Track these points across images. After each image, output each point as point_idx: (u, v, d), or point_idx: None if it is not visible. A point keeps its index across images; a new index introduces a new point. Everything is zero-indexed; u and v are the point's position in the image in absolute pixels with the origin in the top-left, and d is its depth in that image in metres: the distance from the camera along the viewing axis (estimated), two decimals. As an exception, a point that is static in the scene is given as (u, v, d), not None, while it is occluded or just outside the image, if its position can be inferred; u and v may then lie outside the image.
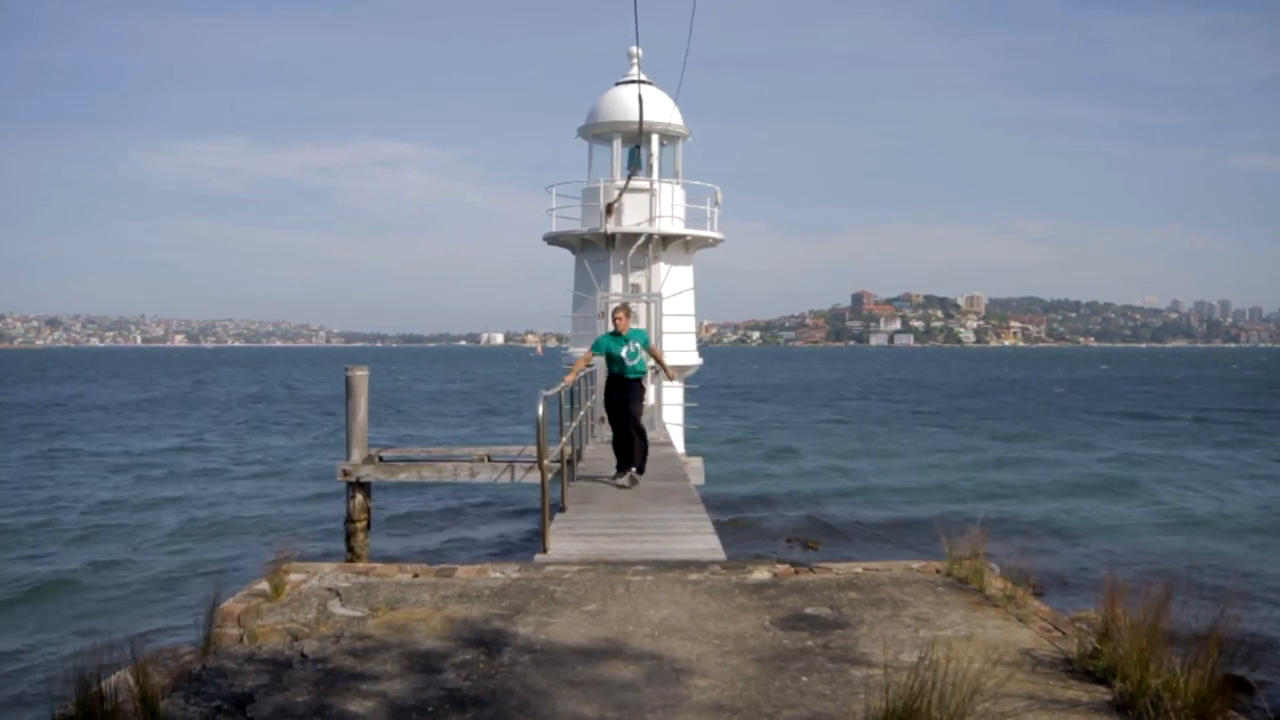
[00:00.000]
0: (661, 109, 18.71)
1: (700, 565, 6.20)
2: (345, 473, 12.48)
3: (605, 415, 10.40)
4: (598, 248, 18.39)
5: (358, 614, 5.07)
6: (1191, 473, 26.38)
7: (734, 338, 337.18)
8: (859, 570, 6.09)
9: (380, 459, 12.71)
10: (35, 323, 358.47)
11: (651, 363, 10.32)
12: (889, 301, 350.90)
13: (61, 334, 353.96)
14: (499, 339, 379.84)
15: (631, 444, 9.89)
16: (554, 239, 19.24)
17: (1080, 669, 4.17)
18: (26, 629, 11.84)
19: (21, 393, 67.54)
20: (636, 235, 17.91)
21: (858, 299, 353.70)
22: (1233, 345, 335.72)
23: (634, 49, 18.95)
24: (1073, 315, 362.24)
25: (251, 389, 72.30)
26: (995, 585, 5.52)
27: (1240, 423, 41.99)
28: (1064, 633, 4.69)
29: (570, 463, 9.95)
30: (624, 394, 9.89)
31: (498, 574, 5.94)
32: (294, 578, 5.66)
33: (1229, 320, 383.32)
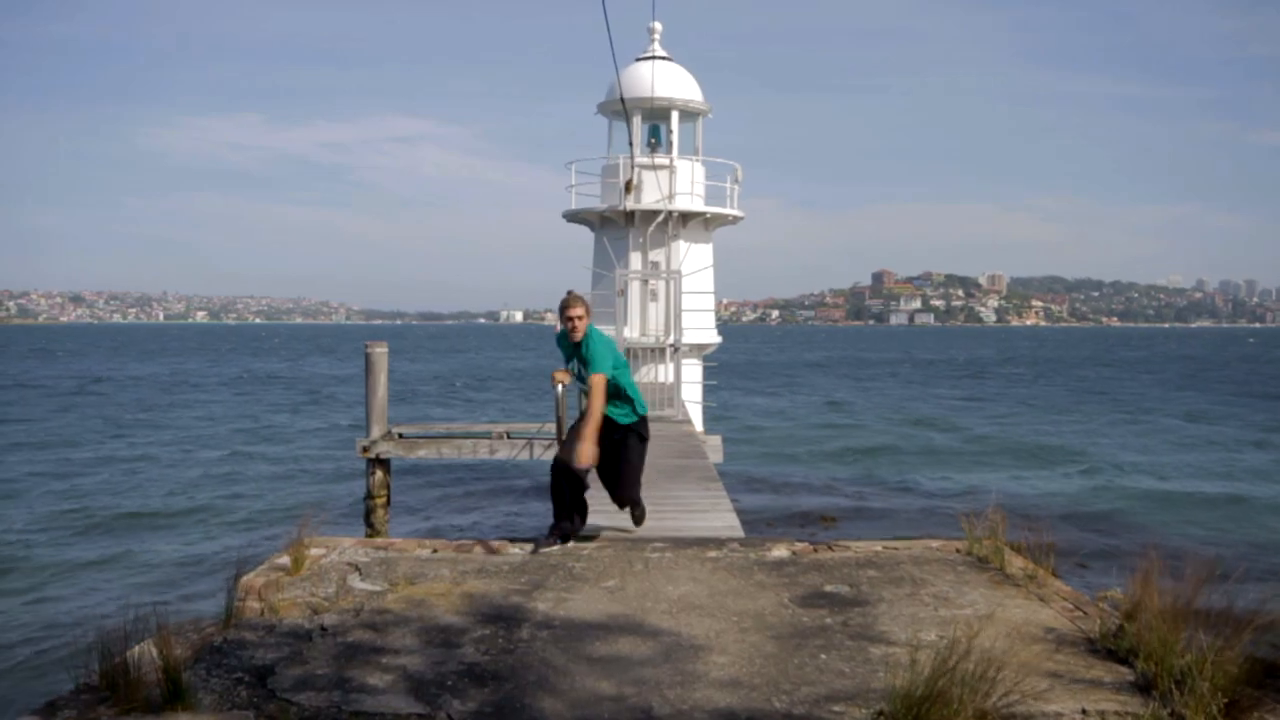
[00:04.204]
0: (681, 85, 18.59)
1: (719, 542, 6.19)
2: (365, 449, 12.55)
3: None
4: (617, 225, 18.34)
5: (377, 588, 5.09)
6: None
7: (753, 316, 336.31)
8: (878, 548, 6.07)
9: (400, 435, 12.77)
10: (59, 299, 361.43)
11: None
12: (909, 280, 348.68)
13: (85, 310, 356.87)
14: (518, 316, 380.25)
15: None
16: (573, 216, 19.20)
17: (1102, 648, 4.14)
18: (51, 599, 11.99)
19: (133, 367, 68.23)
20: (656, 213, 17.84)
21: (878, 278, 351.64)
22: (1258, 325, 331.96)
23: (654, 24, 18.82)
24: (1095, 295, 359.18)
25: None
26: (1016, 564, 5.48)
27: None
28: (1086, 612, 4.66)
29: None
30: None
31: (516, 550, 5.96)
32: (314, 552, 5.69)
33: (1254, 300, 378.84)
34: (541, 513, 17.14)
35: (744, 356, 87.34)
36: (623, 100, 16.54)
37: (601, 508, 7.76)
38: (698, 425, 16.75)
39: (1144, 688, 3.69)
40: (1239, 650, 3.49)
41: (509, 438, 12.58)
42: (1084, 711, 3.50)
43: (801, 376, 61.65)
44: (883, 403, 41.88)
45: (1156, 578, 4.09)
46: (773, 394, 47.16)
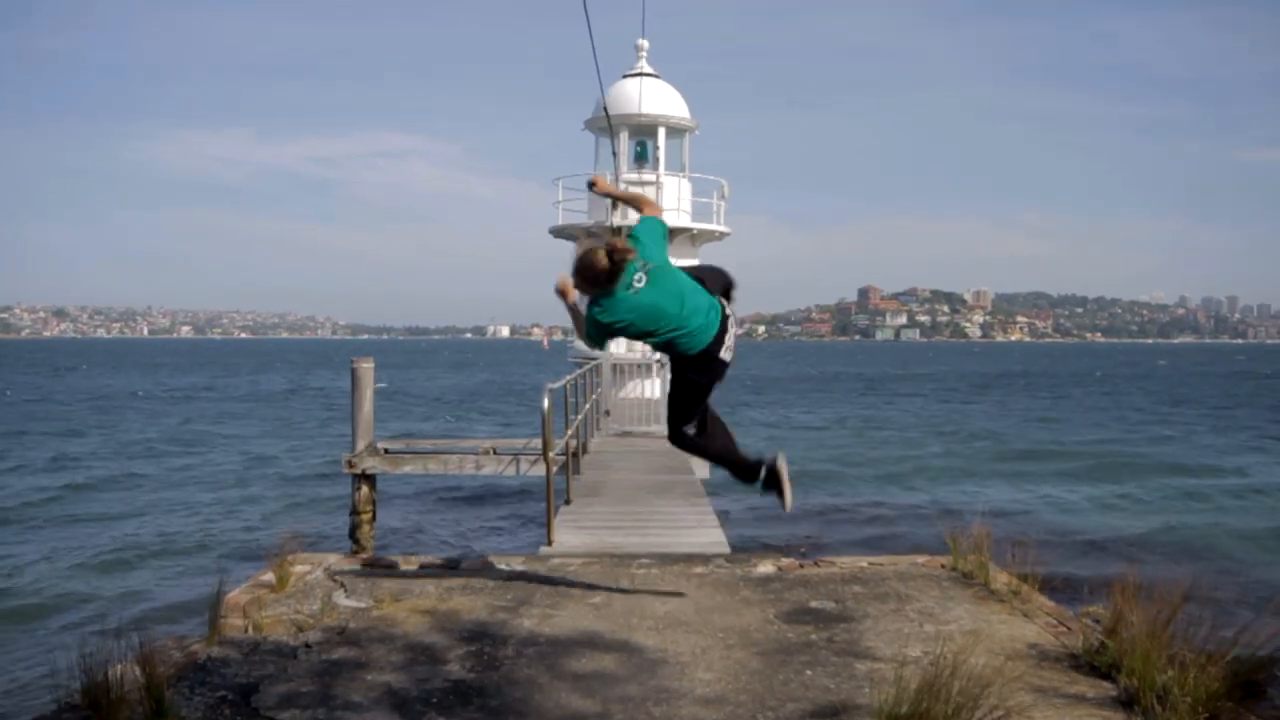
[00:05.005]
0: (668, 102, 18.68)
1: (705, 558, 6.21)
2: (350, 464, 12.51)
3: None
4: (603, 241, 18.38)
5: (362, 605, 5.08)
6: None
7: (740, 332, 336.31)
8: (864, 564, 6.09)
9: (386, 451, 12.73)
10: (42, 313, 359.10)
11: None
12: (895, 296, 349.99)
13: (68, 325, 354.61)
14: (505, 331, 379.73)
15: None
16: (560, 231, 19.23)
17: (1086, 664, 4.16)
18: (32, 618, 11.88)
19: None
20: (642, 228, 17.88)
21: (864, 293, 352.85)
22: (1240, 341, 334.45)
23: (641, 41, 18.92)
24: (1079, 310, 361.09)
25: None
26: (1000, 580, 5.51)
27: None
28: (1069, 628, 4.68)
29: (576, 455, 9.96)
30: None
31: (503, 566, 5.95)
32: (299, 569, 5.67)
33: (1236, 316, 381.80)
34: (529, 527, 17.07)
35: (737, 371, 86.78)
36: (607, 115, 16.60)
37: (586, 525, 7.76)
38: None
39: (1126, 703, 3.71)
40: (1221, 666, 3.51)
41: (495, 453, 12.55)
42: (1067, 727, 3.52)
43: (807, 392, 61.21)
44: (902, 416, 41.49)
45: (1138, 594, 4.11)
46: (782, 407, 46.56)
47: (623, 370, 16.16)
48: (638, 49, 18.94)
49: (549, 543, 7.10)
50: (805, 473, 24.83)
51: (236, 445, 30.63)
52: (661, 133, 18.53)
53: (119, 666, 3.66)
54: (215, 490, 21.79)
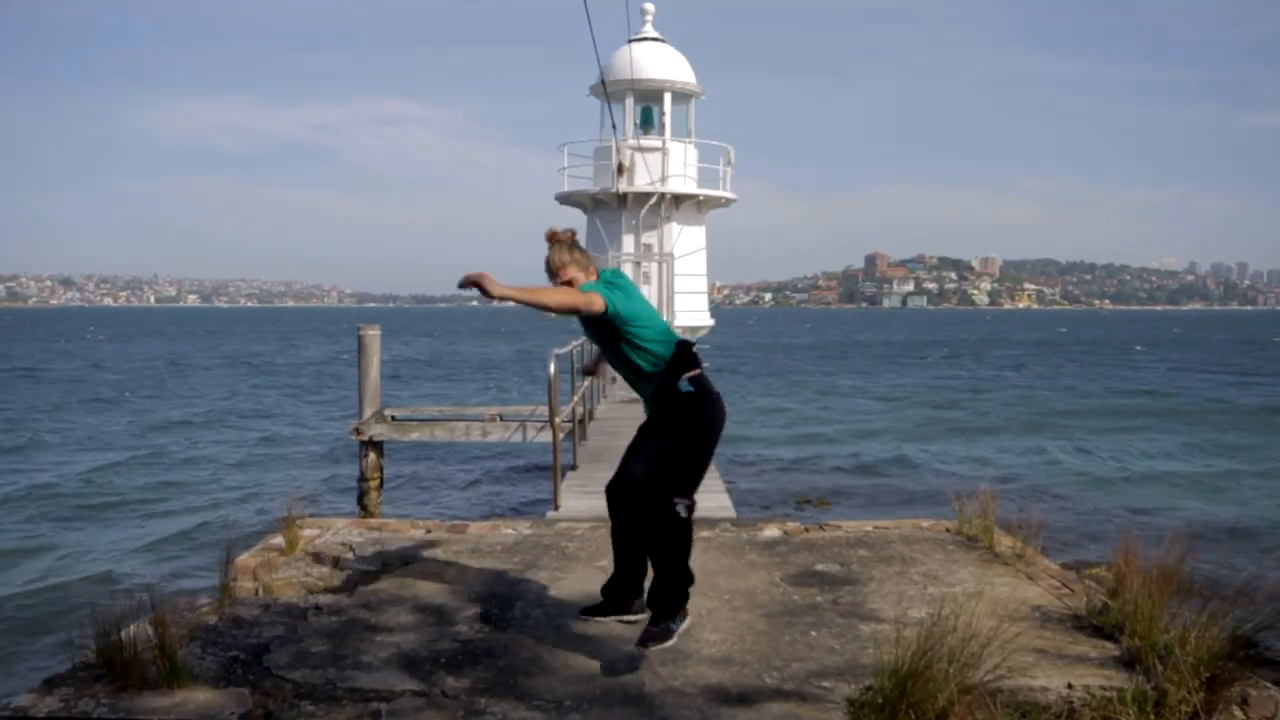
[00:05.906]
0: (674, 66, 18.55)
1: (711, 522, 6.23)
2: (358, 431, 12.57)
3: None
4: (610, 207, 18.33)
5: (371, 569, 5.13)
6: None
7: (746, 299, 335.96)
8: (869, 528, 6.12)
9: (393, 418, 12.79)
10: (49, 282, 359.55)
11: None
12: (902, 263, 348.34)
13: (75, 293, 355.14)
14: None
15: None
16: (566, 198, 19.18)
17: (1088, 625, 4.19)
18: (47, 580, 12.01)
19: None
20: (648, 195, 17.83)
21: (871, 260, 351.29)
22: (1250, 308, 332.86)
23: (647, 5, 18.77)
24: (1088, 277, 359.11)
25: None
26: (1004, 543, 5.55)
27: None
28: (1072, 590, 4.72)
29: (582, 422, 10.00)
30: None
31: (510, 530, 5.99)
32: (308, 533, 5.72)
33: (1246, 282, 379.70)
34: (536, 493, 17.14)
35: (768, 339, 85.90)
36: (603, 83, 16.51)
37: (593, 489, 7.79)
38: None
39: (1128, 662, 3.75)
40: (1222, 626, 3.54)
41: (501, 420, 12.60)
42: (1069, 686, 3.56)
43: (831, 359, 60.54)
44: (954, 383, 40.66)
45: (1139, 554, 4.14)
46: (823, 375, 45.61)
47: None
48: (644, 14, 18.80)
49: (555, 508, 7.15)
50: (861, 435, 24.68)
51: (272, 416, 30.61)
52: (667, 98, 18.42)
53: (132, 627, 3.71)
54: (247, 465, 21.84)
